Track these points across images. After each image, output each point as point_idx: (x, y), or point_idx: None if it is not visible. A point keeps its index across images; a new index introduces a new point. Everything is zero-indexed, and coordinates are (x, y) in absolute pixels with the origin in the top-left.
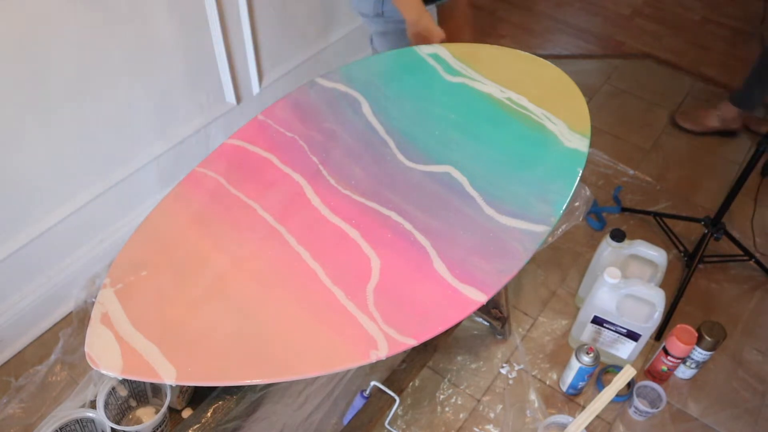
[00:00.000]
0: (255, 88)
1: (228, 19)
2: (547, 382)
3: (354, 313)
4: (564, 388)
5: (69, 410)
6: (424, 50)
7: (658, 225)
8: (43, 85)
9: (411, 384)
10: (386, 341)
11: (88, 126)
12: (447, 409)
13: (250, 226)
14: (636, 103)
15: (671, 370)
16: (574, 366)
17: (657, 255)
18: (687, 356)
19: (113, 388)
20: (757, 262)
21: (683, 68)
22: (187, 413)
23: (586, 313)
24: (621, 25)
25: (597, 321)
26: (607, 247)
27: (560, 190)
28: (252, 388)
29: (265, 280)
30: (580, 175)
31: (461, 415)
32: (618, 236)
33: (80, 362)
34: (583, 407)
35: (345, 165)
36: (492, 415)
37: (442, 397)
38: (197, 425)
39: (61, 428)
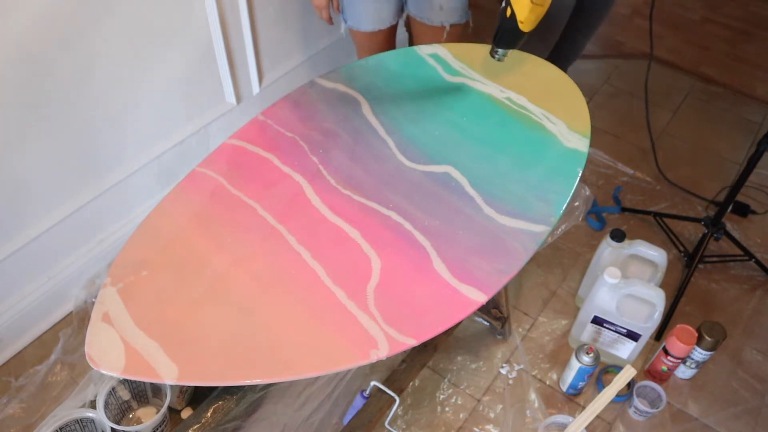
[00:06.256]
0: (255, 88)
1: (228, 19)
2: (547, 382)
3: (354, 312)
4: (564, 388)
5: (69, 410)
6: (424, 50)
7: (658, 225)
8: (43, 85)
9: (411, 384)
10: (386, 341)
11: (89, 126)
12: (447, 409)
13: (250, 226)
14: (636, 103)
15: (671, 370)
16: (574, 366)
17: (657, 255)
18: (687, 356)
19: (113, 388)
20: (757, 262)
21: (683, 68)
22: (187, 413)
23: (586, 313)
24: (621, 25)
25: (597, 321)
26: (607, 247)
27: (560, 190)
28: (252, 388)
29: (265, 280)
30: (580, 175)
31: (461, 415)
32: (618, 236)
33: (80, 362)
34: (583, 407)
35: (345, 165)
36: (492, 415)
37: (442, 397)
38: (197, 425)
39: (61, 428)
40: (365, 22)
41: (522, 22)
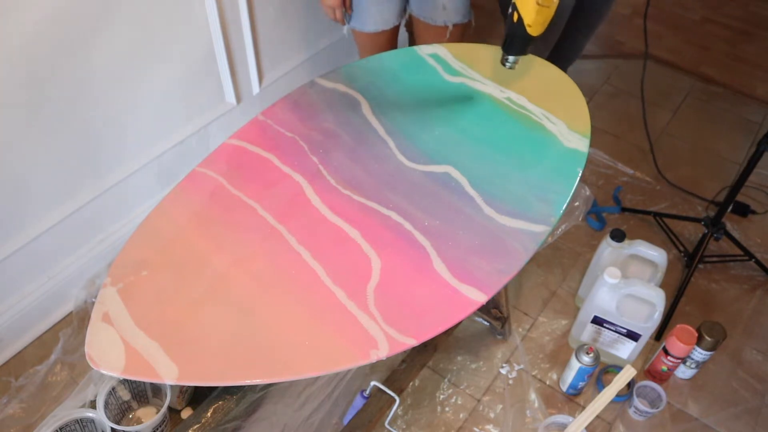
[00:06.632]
0: (255, 88)
1: (228, 19)
2: (547, 382)
3: (354, 312)
4: (564, 388)
5: (69, 410)
6: (424, 50)
7: (658, 225)
8: (44, 85)
9: (411, 384)
10: (386, 341)
11: (89, 126)
12: (447, 409)
13: (250, 226)
14: (636, 103)
15: (671, 370)
16: (574, 366)
17: (657, 255)
18: (687, 356)
19: (113, 388)
20: (757, 262)
21: (683, 68)
22: (187, 413)
23: (586, 313)
24: (621, 25)
25: (597, 321)
26: (607, 247)
27: (560, 190)
28: (252, 388)
29: (265, 280)
30: (580, 175)
31: (461, 415)
32: (618, 236)
33: (80, 362)
34: (583, 407)
35: (345, 165)
36: (492, 415)
37: (442, 397)
38: (197, 425)
39: (61, 428)
40: (369, 23)
41: (530, 26)
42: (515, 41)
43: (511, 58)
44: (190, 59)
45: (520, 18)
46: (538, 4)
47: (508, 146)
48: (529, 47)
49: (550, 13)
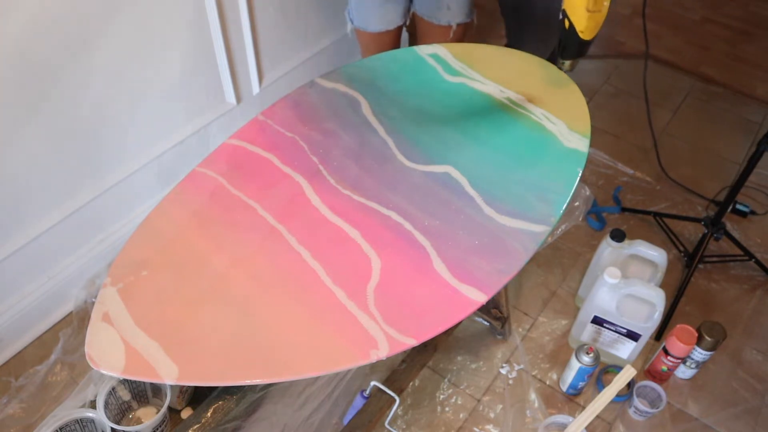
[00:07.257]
0: (255, 88)
1: (228, 19)
2: (547, 382)
3: (354, 312)
4: (564, 388)
5: (69, 410)
6: (424, 50)
7: (658, 225)
8: (44, 85)
9: (411, 384)
10: (386, 341)
11: (89, 126)
12: (447, 409)
13: (250, 226)
14: (636, 103)
15: (671, 370)
16: (574, 366)
17: (657, 255)
18: (687, 356)
19: (113, 388)
20: (757, 262)
21: (683, 68)
22: (187, 413)
23: (586, 313)
24: (621, 25)
25: (597, 321)
26: (607, 247)
27: (560, 190)
28: (252, 388)
29: (265, 280)
30: (580, 175)
31: (461, 415)
32: (618, 236)
33: (80, 362)
34: (583, 407)
35: (345, 165)
36: (492, 415)
37: (442, 397)
38: (197, 425)
39: (61, 428)
40: (373, 23)
41: (582, 32)
42: (570, 46)
43: (567, 62)
44: (190, 59)
45: (571, 25)
46: (588, 11)
47: (508, 146)
48: (584, 50)
49: (601, 17)
